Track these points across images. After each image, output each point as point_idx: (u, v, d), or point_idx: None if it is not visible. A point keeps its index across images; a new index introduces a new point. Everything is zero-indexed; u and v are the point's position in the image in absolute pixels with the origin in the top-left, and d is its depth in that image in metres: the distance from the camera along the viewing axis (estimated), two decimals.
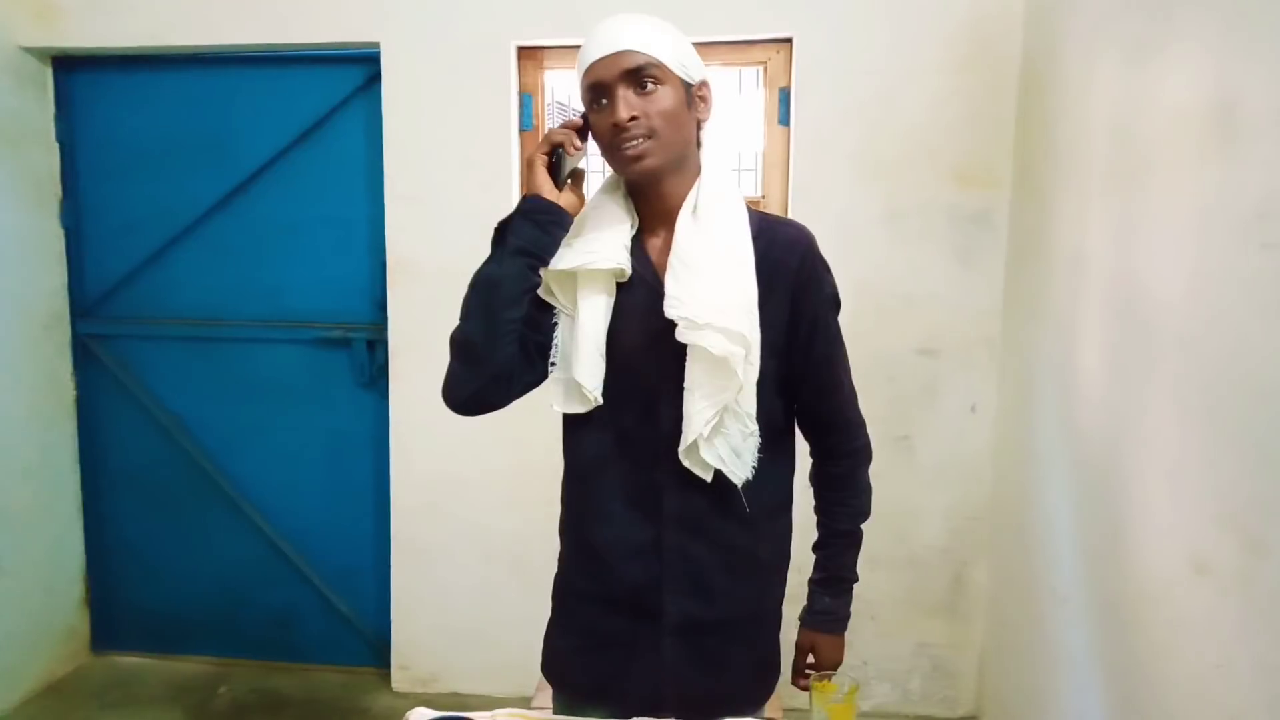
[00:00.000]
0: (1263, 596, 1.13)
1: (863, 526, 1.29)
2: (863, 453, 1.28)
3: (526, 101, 2.42)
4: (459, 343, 1.18)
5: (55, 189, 2.65)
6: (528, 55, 2.40)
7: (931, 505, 2.35)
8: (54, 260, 2.66)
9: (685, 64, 1.13)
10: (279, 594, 2.72)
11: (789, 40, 2.27)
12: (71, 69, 2.62)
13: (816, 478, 1.30)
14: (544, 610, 1.32)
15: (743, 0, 2.25)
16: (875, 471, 2.50)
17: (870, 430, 1.26)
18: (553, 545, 1.31)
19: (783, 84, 2.31)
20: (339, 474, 2.67)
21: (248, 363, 2.65)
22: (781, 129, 2.32)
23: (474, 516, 2.50)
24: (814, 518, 1.28)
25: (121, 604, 2.81)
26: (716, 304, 1.09)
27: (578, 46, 1.15)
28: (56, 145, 2.64)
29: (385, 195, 2.44)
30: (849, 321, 1.24)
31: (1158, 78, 1.47)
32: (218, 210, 2.61)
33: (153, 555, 2.77)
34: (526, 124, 2.42)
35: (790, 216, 2.29)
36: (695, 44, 1.17)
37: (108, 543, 2.80)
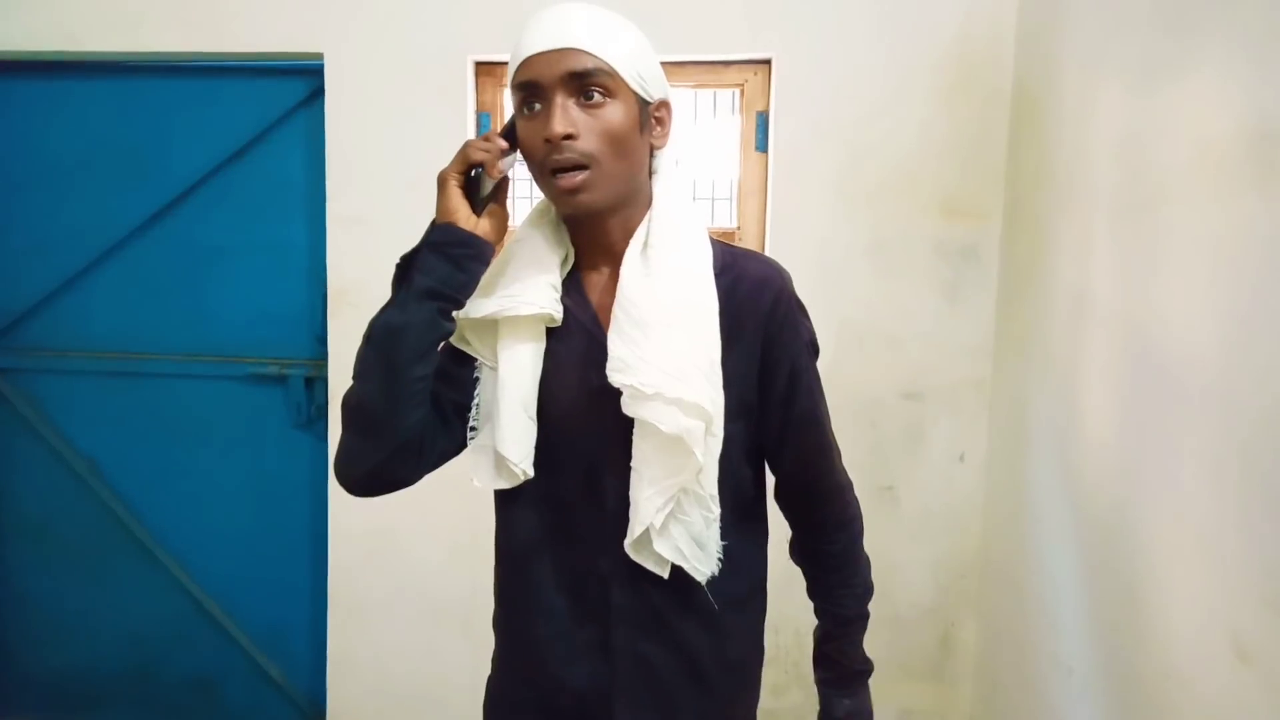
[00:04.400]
0: None
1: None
2: (857, 521, 1.10)
3: (484, 120, 2.25)
4: (353, 408, 0.97)
5: None
6: (486, 71, 2.24)
7: (917, 560, 2.19)
8: None
9: (644, 76, 0.93)
10: (201, 655, 2.48)
11: (768, 61, 2.14)
12: None
13: (808, 557, 1.10)
14: None
15: (719, 18, 2.11)
16: None
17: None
18: None
19: (760, 108, 2.18)
20: (271, 523, 2.44)
21: (171, 400, 2.42)
22: (759, 155, 2.18)
23: (419, 571, 2.29)
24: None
25: (25, 666, 2.54)
26: (669, 368, 0.90)
27: None
28: None
29: (327, 218, 2.24)
30: (827, 362, 1.07)
31: (1175, 102, 1.35)
32: (141, 232, 2.39)
33: (61, 612, 2.51)
34: None
35: (767, 249, 2.16)
36: (667, 63, 0.99)
37: (10, 599, 2.53)
